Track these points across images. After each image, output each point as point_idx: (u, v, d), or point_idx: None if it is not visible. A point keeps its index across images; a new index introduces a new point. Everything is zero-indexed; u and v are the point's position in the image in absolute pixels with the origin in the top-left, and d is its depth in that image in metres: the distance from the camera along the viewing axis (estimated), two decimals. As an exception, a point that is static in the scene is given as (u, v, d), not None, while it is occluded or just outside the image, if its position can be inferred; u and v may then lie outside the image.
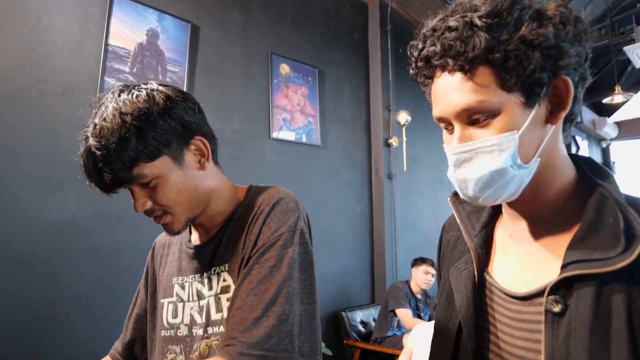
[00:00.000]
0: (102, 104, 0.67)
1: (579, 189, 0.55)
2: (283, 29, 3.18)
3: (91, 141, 0.64)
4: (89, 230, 2.10)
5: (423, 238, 3.86)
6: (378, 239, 3.56)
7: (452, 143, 0.54)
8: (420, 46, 0.54)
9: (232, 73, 2.80)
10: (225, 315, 0.69)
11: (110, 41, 2.27)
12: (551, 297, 0.49)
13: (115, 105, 0.65)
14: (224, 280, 0.72)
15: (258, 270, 0.65)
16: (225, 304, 0.70)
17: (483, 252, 0.61)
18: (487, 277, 0.59)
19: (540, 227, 0.56)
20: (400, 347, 2.49)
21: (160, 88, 0.70)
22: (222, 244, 0.75)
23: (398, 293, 3.00)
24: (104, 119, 0.64)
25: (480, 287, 0.59)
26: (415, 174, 3.89)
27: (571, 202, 0.55)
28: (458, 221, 0.65)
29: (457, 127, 0.53)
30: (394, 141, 3.61)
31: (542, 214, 0.56)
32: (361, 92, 3.72)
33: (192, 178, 0.71)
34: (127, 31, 2.34)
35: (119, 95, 0.67)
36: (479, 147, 0.51)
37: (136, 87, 0.69)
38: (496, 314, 0.56)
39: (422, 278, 3.08)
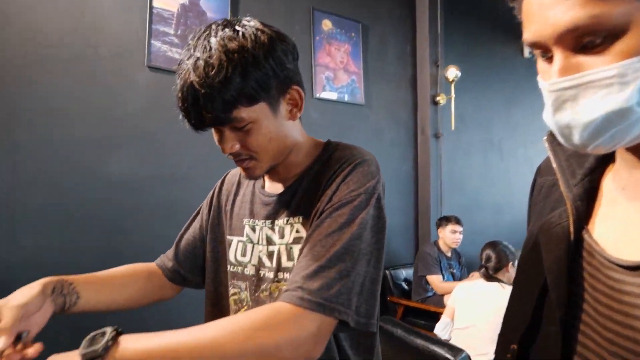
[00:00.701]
0: (202, 37, 0.64)
1: None
2: (325, -18, 3.06)
3: (193, 76, 0.61)
4: (145, 188, 2.24)
5: (470, 199, 3.76)
6: (423, 199, 3.51)
7: (550, 77, 0.41)
8: None
9: (274, 31, 2.76)
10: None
11: (155, 3, 2.30)
12: None
13: (220, 41, 0.62)
14: (297, 231, 0.73)
15: (329, 223, 0.65)
16: (297, 254, 0.71)
17: (583, 205, 0.48)
18: (586, 237, 0.48)
19: None
20: (442, 306, 2.51)
21: (265, 28, 0.67)
22: (297, 196, 0.76)
23: (427, 259, 3.00)
24: (209, 55, 0.61)
25: (576, 248, 0.49)
26: (464, 134, 3.73)
27: None
28: (555, 165, 0.52)
29: (559, 54, 0.39)
30: (441, 99, 3.46)
31: None
32: (407, 47, 3.55)
33: (284, 127, 0.71)
34: (170, -8, 2.36)
35: (223, 30, 0.64)
36: (590, 80, 0.38)
37: (238, 24, 0.66)
38: (593, 281, 0.47)
39: (450, 237, 3.06)
